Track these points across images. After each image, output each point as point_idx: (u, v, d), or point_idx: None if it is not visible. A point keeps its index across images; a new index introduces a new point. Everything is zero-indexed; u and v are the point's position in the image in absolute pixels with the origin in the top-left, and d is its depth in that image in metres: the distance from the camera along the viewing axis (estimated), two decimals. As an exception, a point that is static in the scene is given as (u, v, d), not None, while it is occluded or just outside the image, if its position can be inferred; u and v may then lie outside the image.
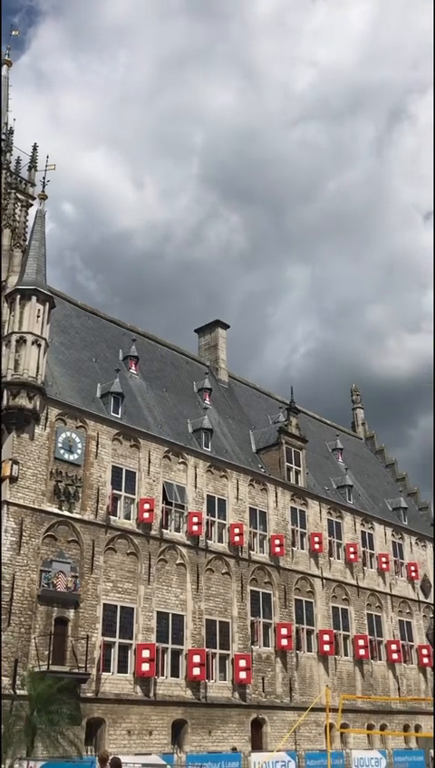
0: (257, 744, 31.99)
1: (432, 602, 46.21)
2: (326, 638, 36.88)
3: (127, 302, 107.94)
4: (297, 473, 39.70)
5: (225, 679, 31.81)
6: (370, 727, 38.18)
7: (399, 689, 41.14)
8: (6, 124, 35.66)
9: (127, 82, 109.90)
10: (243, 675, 31.76)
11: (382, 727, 39.05)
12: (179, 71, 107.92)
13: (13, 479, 26.36)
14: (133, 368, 36.04)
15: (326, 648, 36.68)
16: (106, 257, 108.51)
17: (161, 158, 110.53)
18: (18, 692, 23.72)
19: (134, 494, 30.68)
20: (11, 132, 35.59)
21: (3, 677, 23.97)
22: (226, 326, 44.61)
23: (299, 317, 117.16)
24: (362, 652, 38.86)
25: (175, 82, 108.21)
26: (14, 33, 48.92)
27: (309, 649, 36.56)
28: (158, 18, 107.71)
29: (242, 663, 31.89)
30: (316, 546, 38.47)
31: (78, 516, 28.08)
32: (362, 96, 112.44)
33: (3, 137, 34.50)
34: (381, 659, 40.87)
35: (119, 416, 31.48)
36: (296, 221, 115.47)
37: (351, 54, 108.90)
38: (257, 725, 32.46)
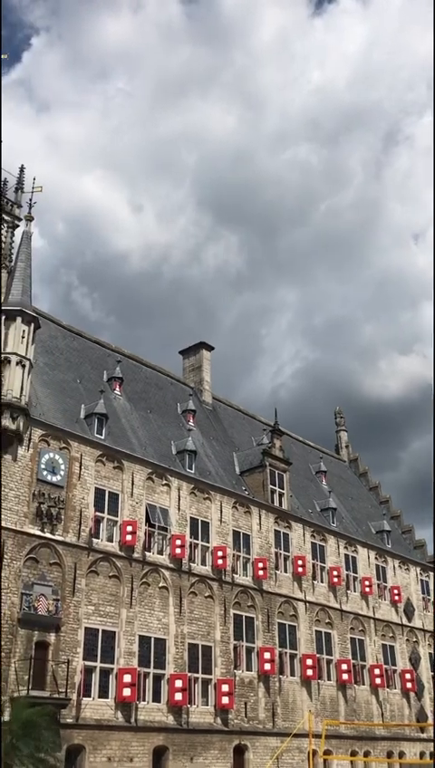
0: (240, 770, 31.59)
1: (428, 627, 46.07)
2: (309, 662, 36.62)
3: (122, 320, 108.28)
4: (281, 495, 39.66)
5: (207, 704, 31.46)
6: (353, 754, 37.82)
7: (382, 715, 40.86)
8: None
9: (126, 105, 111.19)
10: (225, 700, 31.43)
11: (366, 754, 38.70)
12: (180, 95, 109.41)
13: (-5, 500, 26.11)
14: (117, 389, 36.02)
15: (309, 672, 36.42)
16: (101, 276, 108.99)
17: (159, 181, 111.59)
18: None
19: (117, 517, 30.49)
20: (-2, 154, 35.80)
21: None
22: (210, 348, 44.76)
23: (290, 338, 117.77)
24: (345, 677, 38.62)
25: (174, 106, 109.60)
26: (3, 56, 49.52)
27: (292, 674, 36.27)
28: (160, 43, 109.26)
29: (224, 688, 31.58)
30: (300, 569, 38.34)
31: (60, 538, 27.84)
32: (358, 117, 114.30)
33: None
34: (364, 684, 40.63)
35: (102, 437, 31.38)
36: (289, 242, 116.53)
37: (346, 76, 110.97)
38: (240, 752, 32.06)
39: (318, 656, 37.76)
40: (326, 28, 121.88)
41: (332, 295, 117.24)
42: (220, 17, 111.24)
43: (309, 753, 32.25)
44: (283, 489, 39.89)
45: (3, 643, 24.75)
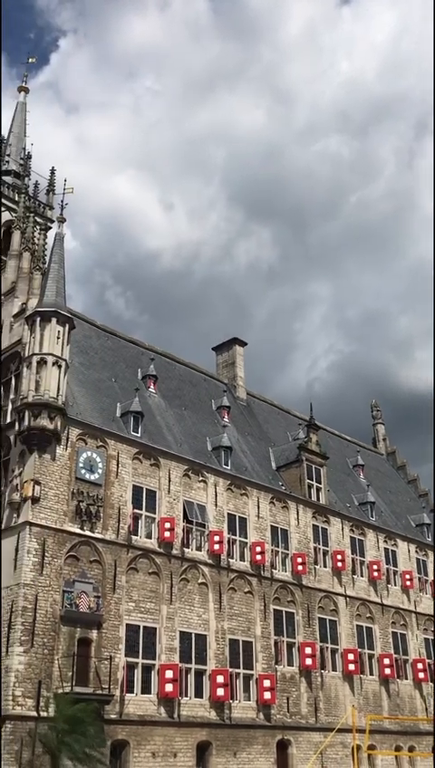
0: (283, 766, 31.55)
1: None
2: (351, 656, 36.41)
3: (155, 318, 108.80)
4: (318, 490, 39.47)
5: (249, 699, 31.50)
6: (398, 749, 37.53)
7: (426, 709, 40.44)
8: (24, 149, 36.35)
9: (155, 104, 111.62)
10: (267, 695, 31.44)
11: (411, 749, 38.35)
12: (208, 91, 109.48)
13: (35, 500, 26.47)
14: (152, 387, 36.18)
15: (351, 667, 36.21)
16: (134, 275, 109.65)
17: (189, 179, 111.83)
18: (42, 714, 23.65)
19: (155, 513, 30.67)
20: (29, 157, 36.25)
21: (27, 699, 23.94)
22: (243, 343, 44.69)
23: (324, 332, 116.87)
24: (387, 671, 38.32)
25: (203, 103, 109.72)
26: (30, 60, 50.09)
27: (334, 669, 36.11)
28: (187, 40, 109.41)
29: (266, 683, 31.58)
30: (339, 564, 38.13)
31: (99, 536, 28.10)
32: (388, 107, 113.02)
33: (20, 162, 35.12)
34: (407, 678, 40.26)
35: (139, 435, 31.57)
36: (320, 235, 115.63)
37: (375, 66, 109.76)
38: (283, 747, 32.04)
39: (360, 650, 37.52)
40: (354, 17, 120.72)
41: (365, 288, 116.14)
42: (247, 11, 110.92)
43: (353, 748, 32.10)
44: (320, 484, 39.69)
45: (45, 640, 25.11)
